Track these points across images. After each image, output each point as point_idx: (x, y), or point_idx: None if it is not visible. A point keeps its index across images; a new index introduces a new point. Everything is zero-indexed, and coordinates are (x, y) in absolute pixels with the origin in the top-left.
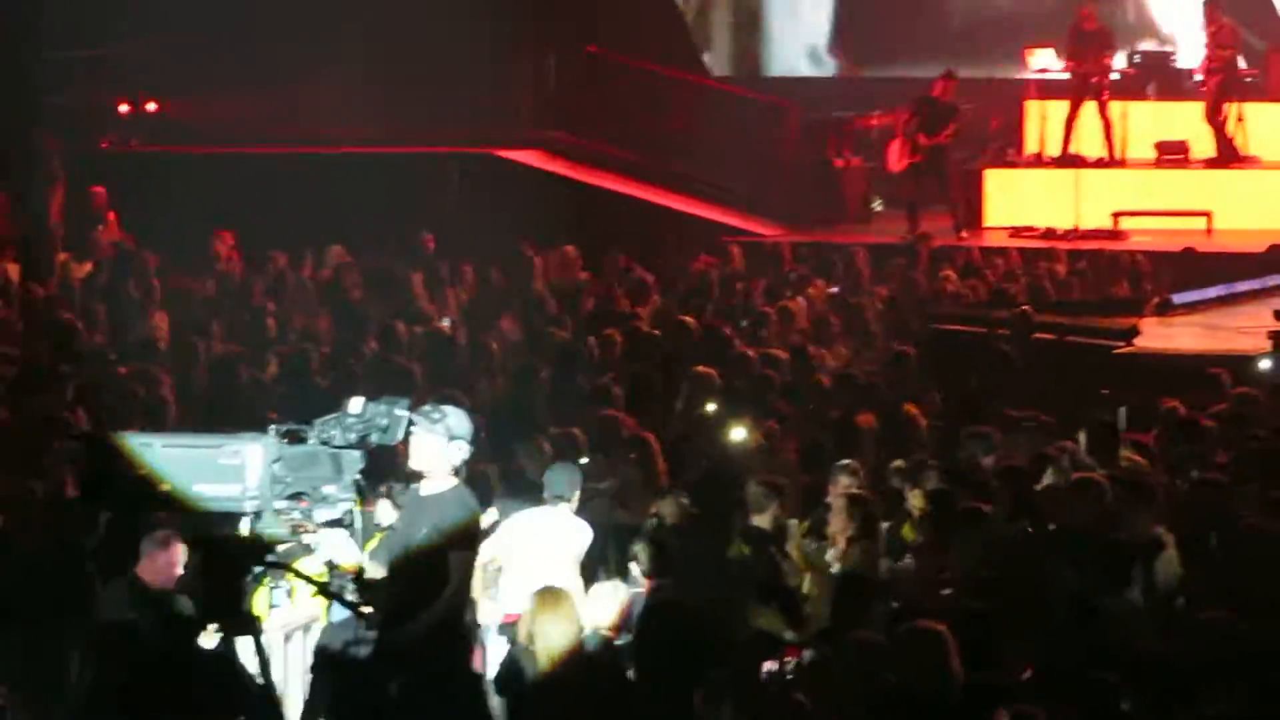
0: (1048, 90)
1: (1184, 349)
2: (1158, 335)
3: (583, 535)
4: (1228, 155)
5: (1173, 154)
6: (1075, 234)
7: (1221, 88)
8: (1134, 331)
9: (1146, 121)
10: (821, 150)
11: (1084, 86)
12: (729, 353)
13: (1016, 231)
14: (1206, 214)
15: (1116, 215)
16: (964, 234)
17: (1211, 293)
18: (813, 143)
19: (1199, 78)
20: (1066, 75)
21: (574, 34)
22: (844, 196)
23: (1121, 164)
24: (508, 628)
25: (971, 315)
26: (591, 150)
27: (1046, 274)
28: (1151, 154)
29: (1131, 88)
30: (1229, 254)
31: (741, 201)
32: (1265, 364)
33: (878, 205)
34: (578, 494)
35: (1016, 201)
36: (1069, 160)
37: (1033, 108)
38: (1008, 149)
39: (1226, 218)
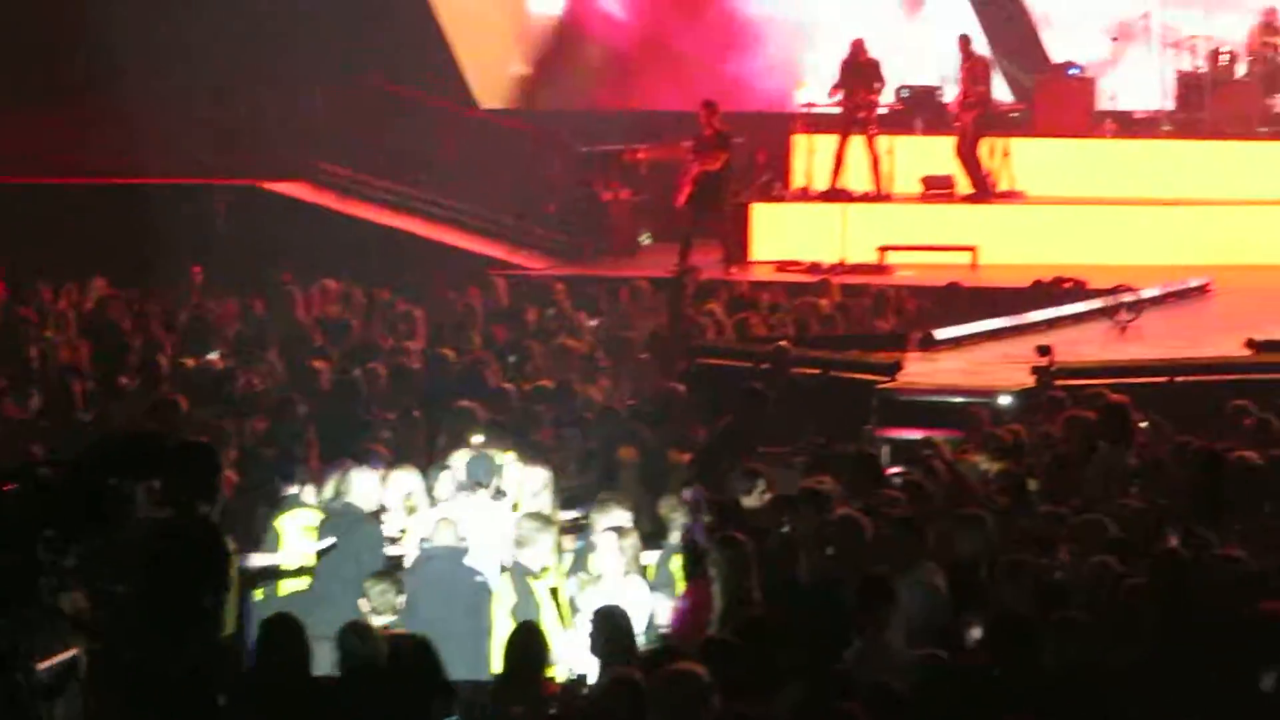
0: (815, 124)
1: (947, 384)
2: (921, 370)
3: None
4: (982, 190)
5: (939, 189)
6: (841, 268)
7: (977, 123)
8: (897, 366)
9: (913, 156)
10: (590, 183)
11: (851, 120)
12: (491, 388)
13: (783, 266)
14: (971, 249)
15: (882, 250)
16: (732, 268)
17: (975, 327)
18: (581, 176)
19: (954, 113)
20: (834, 109)
21: (341, 64)
22: (612, 230)
23: (888, 198)
24: None
25: (734, 350)
26: (358, 182)
27: (811, 308)
28: (918, 188)
29: (898, 122)
30: (994, 289)
31: (509, 234)
32: (1005, 400)
33: (646, 239)
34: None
35: (783, 236)
36: (836, 194)
37: (800, 142)
38: (775, 183)
39: (991, 252)
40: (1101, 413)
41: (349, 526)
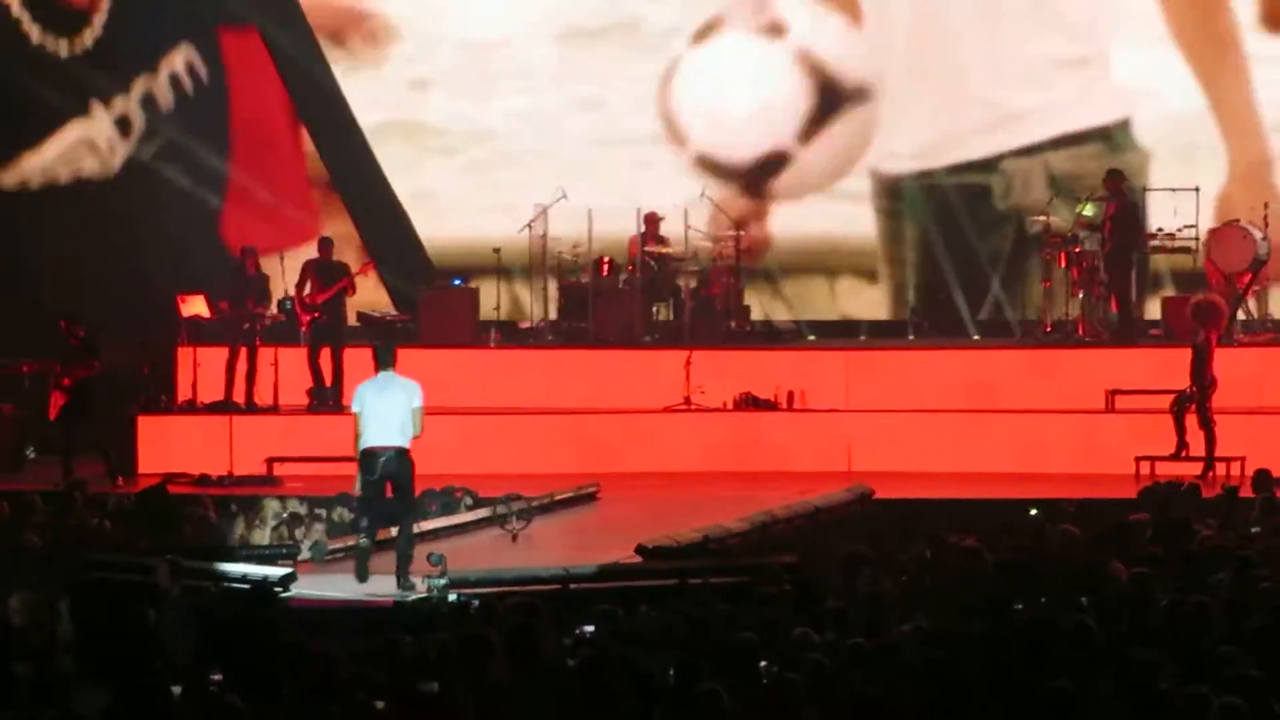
0: (201, 336)
1: (341, 593)
2: (315, 580)
3: None
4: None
5: (322, 399)
6: (230, 480)
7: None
8: (292, 577)
9: (299, 367)
10: None
11: (238, 332)
12: None
13: (171, 478)
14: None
15: (270, 461)
16: (120, 480)
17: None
18: None
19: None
20: (220, 321)
21: None
22: None
23: (276, 410)
24: None
25: (124, 562)
26: None
27: (198, 519)
28: (304, 400)
29: (284, 333)
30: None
31: None
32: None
33: (30, 453)
34: None
35: (171, 448)
36: (223, 406)
37: (185, 354)
38: (161, 395)
39: None
40: None
41: None
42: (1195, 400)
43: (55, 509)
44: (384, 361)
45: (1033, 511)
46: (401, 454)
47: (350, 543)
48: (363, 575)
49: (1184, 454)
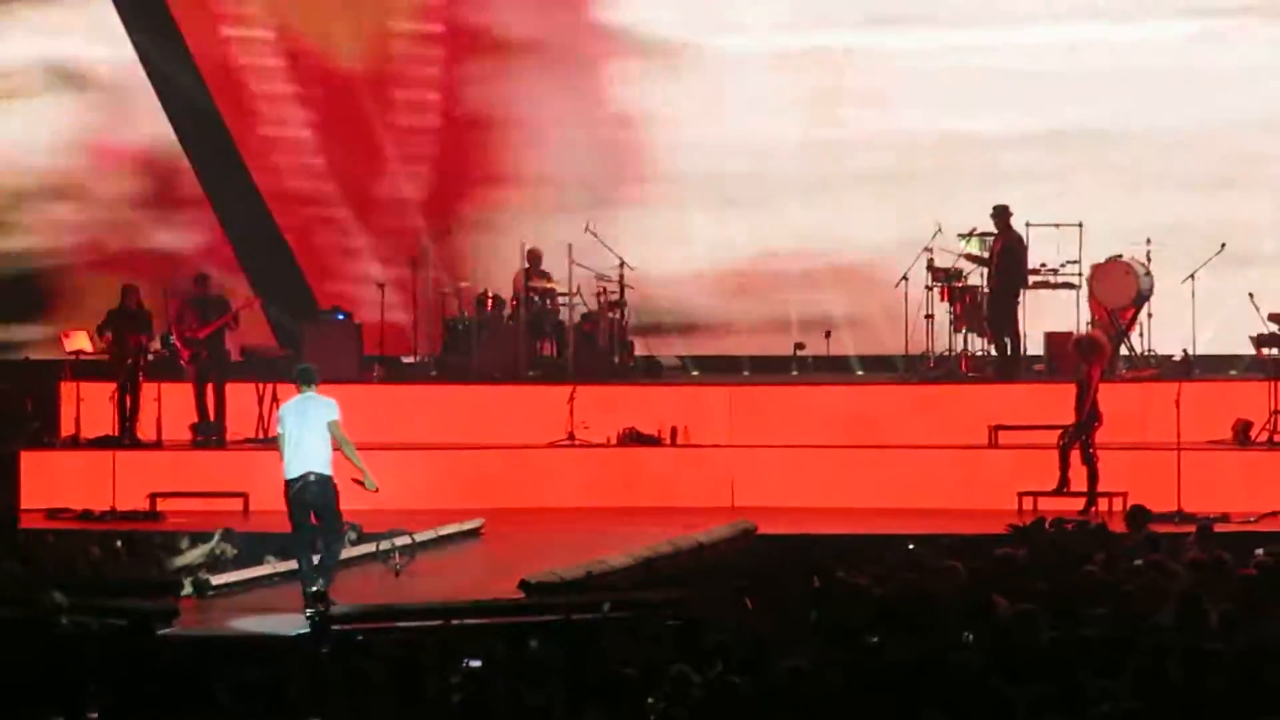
0: (83, 371)
1: (224, 628)
2: (197, 615)
3: None
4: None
5: (205, 434)
6: (113, 514)
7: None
8: (175, 611)
9: (181, 402)
10: None
11: (122, 366)
12: None
13: (54, 513)
14: (244, 495)
15: (153, 496)
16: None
17: (249, 573)
18: None
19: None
20: (103, 357)
21: None
22: None
23: (159, 445)
24: None
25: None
26: None
27: (83, 555)
28: (188, 435)
29: (168, 368)
30: (266, 534)
31: None
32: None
33: None
34: None
35: (54, 483)
36: (107, 441)
37: (68, 389)
38: (44, 430)
39: (262, 499)
40: None
41: None
42: (1078, 436)
43: None
44: (305, 380)
45: (910, 546)
46: (322, 480)
47: (233, 579)
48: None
49: (1066, 489)
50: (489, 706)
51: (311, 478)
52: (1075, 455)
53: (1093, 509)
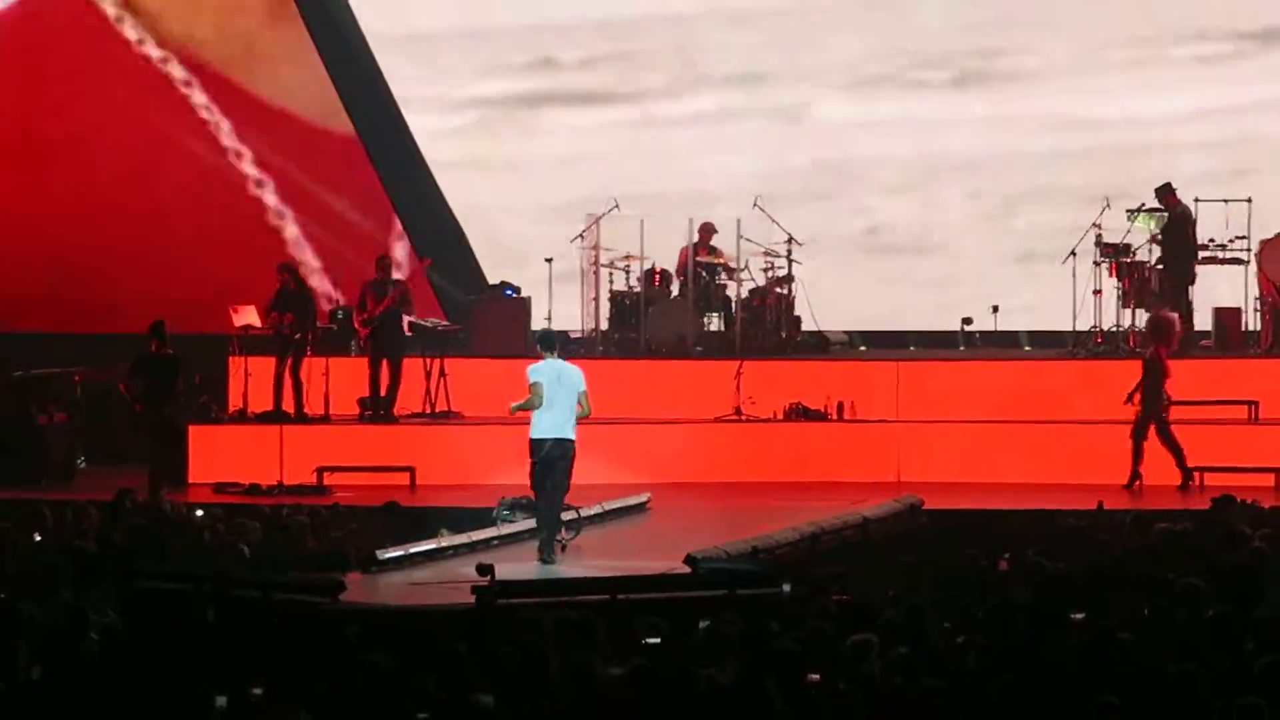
0: (251, 346)
1: (390, 602)
2: (363, 590)
3: None
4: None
5: (374, 409)
6: (280, 489)
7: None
8: (340, 586)
9: (351, 377)
10: (25, 406)
11: (288, 343)
12: None
13: (222, 487)
14: (410, 469)
15: (320, 470)
16: (166, 490)
17: (417, 547)
18: (16, 399)
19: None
20: (269, 333)
21: None
22: (47, 453)
23: (326, 419)
24: None
25: (175, 573)
26: None
27: (250, 530)
28: (355, 409)
29: (334, 344)
30: (433, 508)
31: None
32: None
33: (81, 462)
34: None
35: (221, 457)
36: (273, 416)
37: (236, 364)
38: (212, 405)
39: (430, 473)
40: None
41: None
42: (1149, 421)
43: (107, 517)
44: (549, 346)
45: (1061, 523)
46: (568, 443)
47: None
48: (548, 558)
49: (1139, 483)
50: (659, 683)
51: (563, 438)
52: (1149, 445)
53: (1190, 483)
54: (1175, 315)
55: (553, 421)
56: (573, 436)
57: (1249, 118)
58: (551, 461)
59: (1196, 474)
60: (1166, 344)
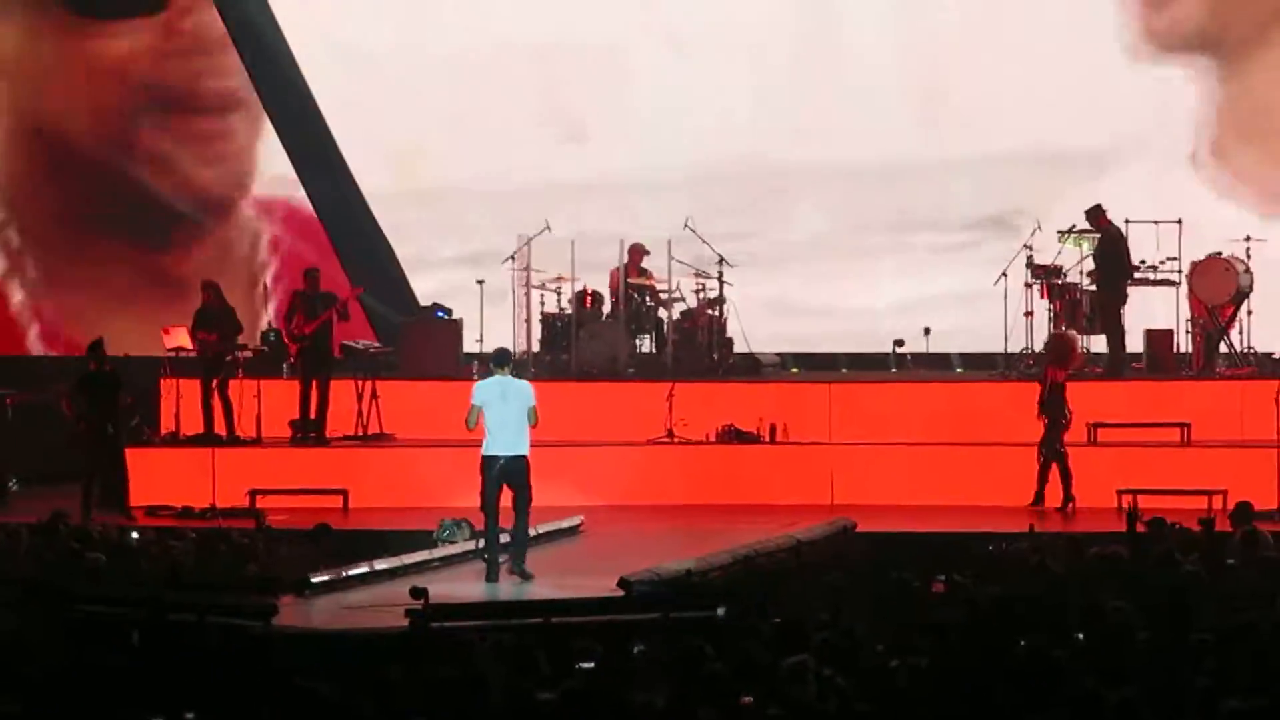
0: (183, 368)
1: (323, 626)
2: (296, 613)
3: None
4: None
5: (305, 431)
6: (213, 512)
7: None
8: (273, 610)
9: (281, 399)
10: None
11: (219, 364)
12: None
13: (154, 510)
14: (343, 491)
15: (252, 493)
16: (115, 515)
17: (350, 570)
18: None
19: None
20: (197, 354)
21: None
22: None
23: (258, 442)
24: None
25: (110, 597)
26: None
27: (183, 553)
28: (287, 432)
29: (266, 366)
30: (366, 531)
31: None
32: None
33: (14, 485)
34: None
35: (153, 480)
36: (205, 439)
37: (169, 386)
38: (144, 427)
39: (362, 495)
40: None
41: None
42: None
43: (40, 541)
44: (500, 363)
45: (989, 547)
46: (521, 459)
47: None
48: (492, 575)
49: (1041, 503)
50: (594, 707)
51: (514, 456)
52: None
53: (1070, 505)
54: (1074, 335)
55: (504, 439)
56: (525, 451)
57: None
58: (506, 476)
59: (1126, 497)
60: (1060, 364)
